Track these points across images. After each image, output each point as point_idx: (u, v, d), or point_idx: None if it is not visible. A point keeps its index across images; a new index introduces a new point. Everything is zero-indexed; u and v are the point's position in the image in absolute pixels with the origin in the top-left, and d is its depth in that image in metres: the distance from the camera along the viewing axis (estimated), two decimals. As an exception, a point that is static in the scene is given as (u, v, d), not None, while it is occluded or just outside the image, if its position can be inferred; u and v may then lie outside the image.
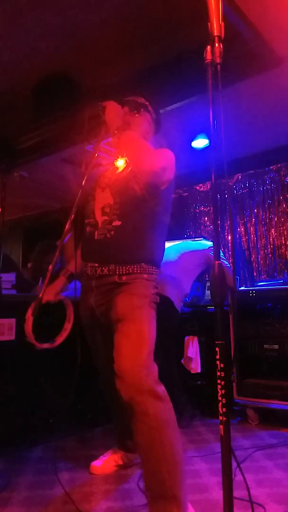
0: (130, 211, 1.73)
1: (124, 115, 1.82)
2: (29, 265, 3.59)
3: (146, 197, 1.73)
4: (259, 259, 3.95)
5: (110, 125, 1.75)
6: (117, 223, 1.72)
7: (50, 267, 1.67)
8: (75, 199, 1.64)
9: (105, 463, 2.05)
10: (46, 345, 1.92)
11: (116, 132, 1.71)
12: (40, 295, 1.68)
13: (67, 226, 1.62)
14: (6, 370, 2.36)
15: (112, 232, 1.72)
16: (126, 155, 1.78)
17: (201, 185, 4.44)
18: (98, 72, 2.73)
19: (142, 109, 1.89)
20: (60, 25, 2.32)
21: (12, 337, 2.40)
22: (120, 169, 1.85)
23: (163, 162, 1.73)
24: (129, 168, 1.79)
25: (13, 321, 2.42)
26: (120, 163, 1.86)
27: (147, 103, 1.92)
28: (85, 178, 1.69)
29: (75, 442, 2.53)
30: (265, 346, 2.86)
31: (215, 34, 1.21)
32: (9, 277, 2.90)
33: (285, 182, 3.87)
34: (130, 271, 1.69)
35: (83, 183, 1.69)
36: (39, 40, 2.44)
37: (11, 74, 2.77)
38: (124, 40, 2.44)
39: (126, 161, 1.82)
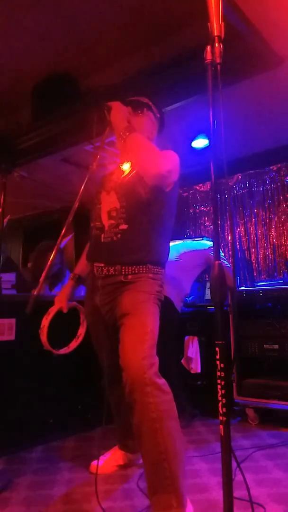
0: (136, 214, 1.75)
1: (128, 115, 1.82)
2: (29, 265, 3.59)
3: (151, 200, 1.74)
4: (259, 259, 3.96)
5: (115, 127, 1.76)
6: (123, 226, 1.74)
7: (46, 268, 1.65)
8: (75, 199, 1.63)
9: (106, 462, 2.05)
10: (62, 351, 1.96)
11: (122, 134, 1.72)
12: (34, 292, 1.60)
13: (64, 229, 1.60)
14: (6, 370, 2.36)
15: (119, 236, 1.74)
16: (132, 157, 1.79)
17: (201, 185, 4.44)
18: (98, 72, 2.73)
19: (145, 108, 1.90)
20: (60, 25, 2.32)
21: (12, 337, 2.40)
22: (126, 173, 1.85)
23: (169, 164, 1.73)
24: (134, 172, 1.79)
25: (13, 321, 2.42)
26: (126, 166, 1.87)
27: (150, 102, 1.93)
28: (87, 178, 1.68)
29: (75, 442, 2.53)
30: (265, 346, 2.86)
31: (215, 34, 1.21)
32: (9, 277, 2.90)
33: (285, 182, 3.87)
34: (136, 271, 1.72)
35: (84, 183, 1.68)
36: (39, 40, 2.44)
37: (11, 74, 2.77)
38: (124, 40, 2.44)
39: (132, 164, 1.83)
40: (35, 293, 1.53)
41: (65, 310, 1.96)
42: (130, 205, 1.76)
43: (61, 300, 1.95)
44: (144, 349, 1.54)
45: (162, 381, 1.51)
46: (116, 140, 1.77)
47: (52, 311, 1.90)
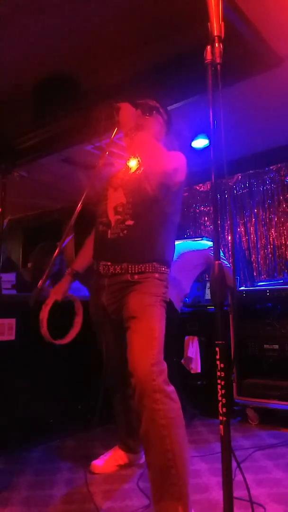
0: (142, 211, 1.76)
1: (137, 117, 1.86)
2: (29, 265, 3.59)
3: (158, 198, 1.76)
4: (259, 259, 3.95)
5: (123, 126, 1.80)
6: (129, 222, 1.75)
7: (47, 269, 1.69)
8: (79, 198, 1.64)
9: (106, 462, 2.05)
10: (60, 341, 2.00)
11: (129, 133, 1.76)
12: (40, 292, 1.70)
13: (66, 232, 1.62)
14: (6, 370, 2.36)
15: (125, 231, 1.74)
16: (138, 156, 1.82)
17: (201, 185, 4.44)
18: (98, 72, 2.73)
19: (154, 112, 1.94)
20: (60, 25, 2.32)
21: (12, 337, 2.40)
22: (133, 170, 1.87)
23: (174, 164, 1.76)
24: (142, 169, 1.81)
25: (13, 321, 2.42)
26: (133, 163, 1.89)
27: (159, 105, 1.97)
28: (94, 177, 1.71)
29: (75, 442, 2.53)
30: (265, 346, 2.86)
31: (215, 34, 1.21)
32: (9, 277, 2.90)
33: (285, 182, 3.87)
34: (142, 269, 1.72)
35: (95, 181, 1.71)
36: (39, 40, 2.44)
37: (11, 74, 2.77)
38: (124, 40, 2.44)
39: (139, 161, 1.85)
40: (38, 286, 1.56)
41: (59, 300, 1.99)
42: (136, 201, 1.77)
43: (56, 292, 1.99)
44: (153, 355, 1.55)
45: (171, 389, 1.52)
46: (124, 138, 1.81)
47: (49, 303, 1.94)
